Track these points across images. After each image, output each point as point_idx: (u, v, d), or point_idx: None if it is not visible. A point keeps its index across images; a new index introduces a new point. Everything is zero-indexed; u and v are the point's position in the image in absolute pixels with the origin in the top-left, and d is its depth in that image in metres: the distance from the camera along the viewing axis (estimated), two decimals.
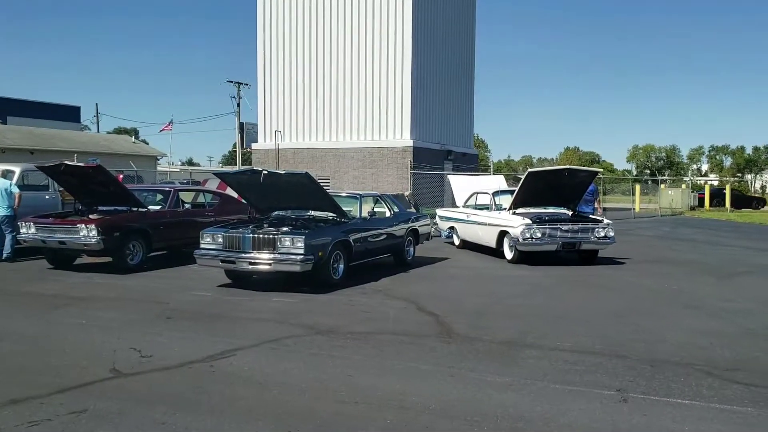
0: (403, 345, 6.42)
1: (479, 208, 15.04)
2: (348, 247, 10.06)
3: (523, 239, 12.17)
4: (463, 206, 16.01)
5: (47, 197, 14.22)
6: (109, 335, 6.75)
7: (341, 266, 9.93)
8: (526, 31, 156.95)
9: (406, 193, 20.89)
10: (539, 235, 12.19)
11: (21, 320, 7.51)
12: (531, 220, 12.34)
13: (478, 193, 15.80)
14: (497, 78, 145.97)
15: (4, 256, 12.33)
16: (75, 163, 11.45)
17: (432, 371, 5.52)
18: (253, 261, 9.25)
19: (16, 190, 12.52)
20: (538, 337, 6.83)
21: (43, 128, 36.48)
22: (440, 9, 29.87)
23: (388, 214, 11.98)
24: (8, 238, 12.33)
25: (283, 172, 9.93)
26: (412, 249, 12.47)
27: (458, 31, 31.89)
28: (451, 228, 15.91)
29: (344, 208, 10.62)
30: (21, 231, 11.47)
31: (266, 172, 9.62)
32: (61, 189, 13.58)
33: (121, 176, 29.70)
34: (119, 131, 60.97)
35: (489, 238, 13.48)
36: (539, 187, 12.92)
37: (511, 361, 5.90)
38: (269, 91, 29.25)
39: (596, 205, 15.95)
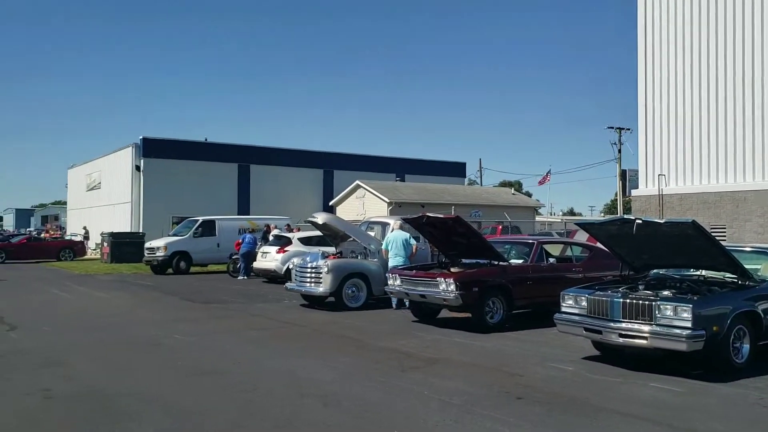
0: None
1: None
2: (756, 320, 7.51)
3: None
4: None
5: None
6: (446, 414, 5.80)
7: (746, 346, 7.43)
8: None
9: None
10: None
11: (365, 382, 7.11)
12: None
13: None
14: None
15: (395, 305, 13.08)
16: (435, 214, 11.24)
17: None
18: (624, 333, 7.45)
19: (414, 243, 13.19)
20: None
21: (433, 183, 39.74)
22: None
23: None
24: None
25: (662, 221, 7.94)
26: None
27: None
28: None
29: (748, 267, 8.08)
30: (388, 282, 11.66)
31: (640, 221, 7.79)
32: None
33: (500, 227, 30.25)
34: (504, 184, 63.55)
35: None
36: None
37: None
38: (651, 131, 26.48)
39: None
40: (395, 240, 13.31)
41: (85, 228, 39.42)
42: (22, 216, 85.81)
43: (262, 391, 6.71)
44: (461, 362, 8.18)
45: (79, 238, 36.99)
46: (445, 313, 11.66)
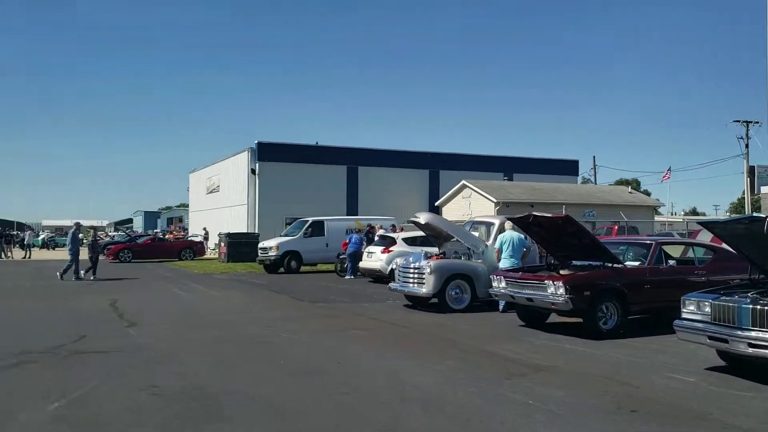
0: None
1: None
2: None
3: None
4: None
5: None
6: (552, 427, 5.49)
7: None
8: None
9: None
10: None
11: (468, 388, 6.87)
12: None
13: None
14: None
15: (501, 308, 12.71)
16: (542, 213, 10.78)
17: None
18: (754, 342, 6.78)
19: (528, 244, 12.85)
20: None
21: (543, 182, 38.56)
22: None
23: None
24: None
25: None
26: None
27: None
28: None
29: None
30: (492, 284, 11.34)
31: None
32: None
33: (616, 227, 28.85)
34: (621, 182, 60.70)
35: None
36: None
37: None
38: None
39: None
40: (510, 240, 12.94)
41: (204, 229, 41.53)
42: (150, 218, 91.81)
43: (363, 392, 6.66)
44: (570, 370, 7.76)
45: (199, 239, 39.01)
46: (553, 318, 11.19)
